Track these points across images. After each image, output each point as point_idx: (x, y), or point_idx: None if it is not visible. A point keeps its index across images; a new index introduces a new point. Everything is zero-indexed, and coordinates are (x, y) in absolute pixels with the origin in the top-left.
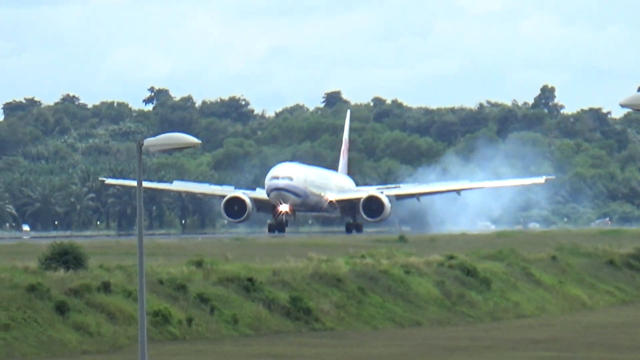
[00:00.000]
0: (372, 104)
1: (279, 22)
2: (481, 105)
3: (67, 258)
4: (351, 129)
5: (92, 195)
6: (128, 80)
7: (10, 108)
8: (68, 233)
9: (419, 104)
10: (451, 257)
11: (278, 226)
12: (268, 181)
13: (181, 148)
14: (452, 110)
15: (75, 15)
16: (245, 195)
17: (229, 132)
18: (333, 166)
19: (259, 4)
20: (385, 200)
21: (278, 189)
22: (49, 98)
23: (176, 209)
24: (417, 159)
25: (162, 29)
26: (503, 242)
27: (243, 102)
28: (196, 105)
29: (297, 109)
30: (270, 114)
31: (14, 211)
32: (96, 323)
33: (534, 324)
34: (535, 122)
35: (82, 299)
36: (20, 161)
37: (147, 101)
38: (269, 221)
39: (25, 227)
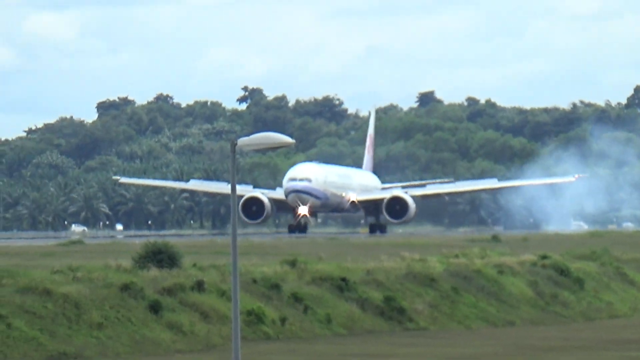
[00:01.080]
0: (465, 103)
1: (375, 22)
2: (574, 105)
3: (161, 257)
4: (443, 128)
5: (186, 194)
6: (222, 79)
7: (103, 107)
8: (161, 232)
9: (513, 104)
10: (544, 257)
11: (299, 227)
12: (286, 183)
13: (275, 147)
14: (546, 110)
15: (170, 14)
16: (263, 195)
17: (323, 132)
18: (427, 167)
19: (355, 3)
20: (410, 201)
21: (296, 191)
22: (142, 97)
23: None
24: (510, 159)
25: (258, 29)
26: (596, 241)
27: (337, 102)
28: (290, 104)
29: (391, 108)
30: (364, 113)
31: (107, 210)
32: (190, 322)
33: (627, 324)
34: (628, 122)
35: (176, 298)
36: (113, 160)
37: (240, 100)
38: (290, 222)
39: (119, 226)
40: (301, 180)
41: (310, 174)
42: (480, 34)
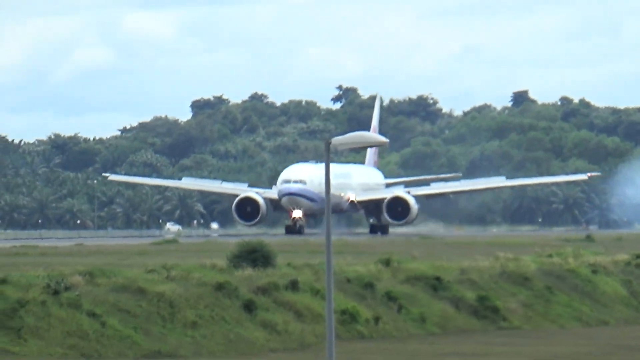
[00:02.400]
0: (559, 103)
1: (470, 22)
2: None
3: (256, 256)
4: (537, 128)
5: None
6: (317, 78)
7: (198, 106)
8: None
9: (607, 103)
10: (639, 257)
11: (294, 229)
12: (279, 185)
13: (369, 146)
14: None
15: (268, 13)
16: (258, 195)
17: (417, 131)
18: (520, 165)
19: (452, 3)
20: (412, 202)
21: (290, 194)
22: (237, 96)
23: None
24: (604, 158)
25: (354, 28)
26: None
27: (431, 101)
28: (384, 103)
29: (485, 108)
30: (458, 112)
31: (202, 209)
32: (283, 321)
33: None
34: None
35: (270, 297)
36: (208, 159)
37: (335, 100)
38: (286, 222)
39: (214, 225)
40: (295, 182)
41: (305, 176)
42: (574, 33)
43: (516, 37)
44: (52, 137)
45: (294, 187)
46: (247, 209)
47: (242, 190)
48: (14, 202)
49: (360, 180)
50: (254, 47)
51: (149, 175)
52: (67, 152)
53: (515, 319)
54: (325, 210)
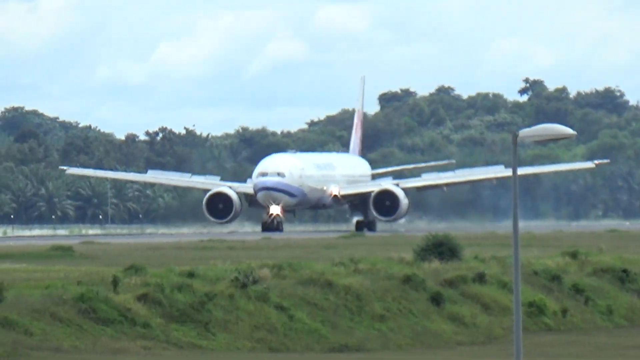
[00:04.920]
0: None
1: None
2: None
3: (442, 249)
4: None
5: (467, 187)
6: (505, 71)
7: (385, 99)
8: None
9: None
10: None
11: (272, 226)
12: (255, 178)
13: (556, 139)
14: None
15: (460, 5)
16: (231, 190)
17: (604, 124)
18: None
19: None
20: (401, 195)
21: (266, 188)
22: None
23: (551, 200)
24: None
25: (545, 20)
26: None
27: (618, 94)
28: (571, 96)
29: None
30: None
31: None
32: (471, 314)
33: None
34: None
35: (457, 290)
36: (395, 152)
37: (522, 92)
38: (263, 219)
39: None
40: (272, 175)
41: (284, 168)
42: None
43: None
44: (240, 130)
45: (271, 180)
46: (219, 206)
47: (214, 184)
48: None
49: (344, 172)
50: (444, 39)
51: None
52: (255, 146)
53: None
54: (512, 199)
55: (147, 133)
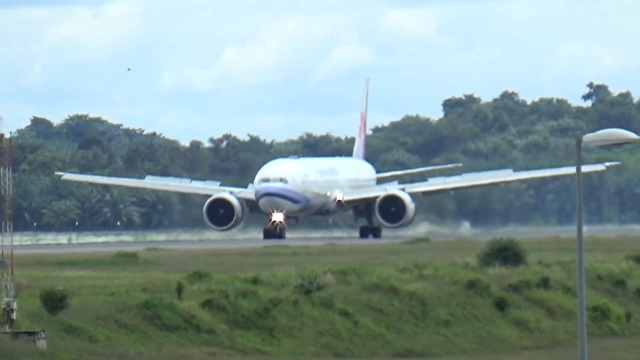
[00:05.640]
0: None
1: None
2: None
3: (506, 254)
4: None
5: (531, 192)
6: (569, 76)
7: (449, 105)
8: (507, 229)
9: None
10: None
11: (274, 233)
12: (257, 185)
13: (620, 144)
14: None
15: (527, 11)
16: (232, 196)
17: None
18: None
19: None
20: (407, 201)
21: (269, 194)
22: (488, 94)
23: (615, 203)
24: None
25: (610, 25)
26: None
27: None
28: (634, 101)
29: None
30: None
31: (454, 207)
32: (535, 319)
33: None
34: None
35: (521, 295)
36: (459, 158)
37: (585, 97)
38: (265, 226)
39: (466, 224)
40: (274, 180)
41: (286, 173)
42: None
43: None
44: (304, 136)
45: (273, 186)
46: (220, 212)
47: (214, 190)
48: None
49: (348, 176)
50: (509, 44)
51: (401, 175)
52: (319, 152)
53: None
54: (576, 204)
55: (212, 140)
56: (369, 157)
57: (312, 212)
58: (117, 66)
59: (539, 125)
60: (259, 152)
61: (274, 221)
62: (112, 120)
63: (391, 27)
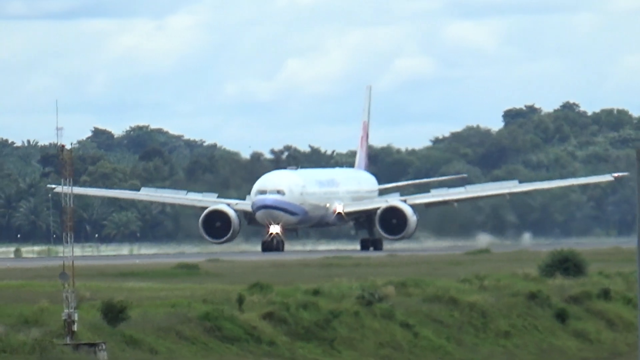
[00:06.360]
0: None
1: None
2: None
3: (567, 265)
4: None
5: (591, 203)
6: (630, 87)
7: (510, 115)
8: (567, 240)
9: None
10: None
11: (272, 246)
12: (253, 197)
13: None
14: None
15: (590, 22)
16: (229, 208)
17: None
18: None
19: None
20: (409, 213)
21: (266, 206)
22: (548, 105)
23: None
24: None
25: None
26: None
27: None
28: None
29: None
30: None
31: (515, 219)
32: (596, 330)
33: None
34: None
35: (582, 306)
36: (520, 169)
37: None
38: (264, 239)
39: (527, 235)
40: (272, 192)
41: (284, 185)
42: None
43: None
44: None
45: (270, 198)
46: (217, 224)
47: (211, 201)
48: None
49: (348, 188)
50: (570, 55)
51: (460, 186)
52: (380, 163)
53: None
54: (636, 215)
55: (273, 151)
56: (431, 170)
57: (311, 224)
58: (179, 78)
59: (600, 137)
60: (320, 163)
61: (271, 233)
62: (173, 131)
63: (453, 38)
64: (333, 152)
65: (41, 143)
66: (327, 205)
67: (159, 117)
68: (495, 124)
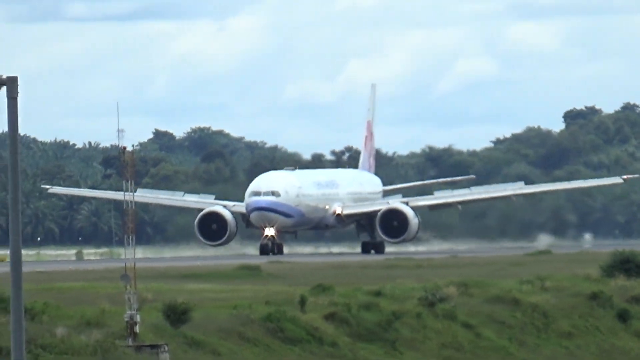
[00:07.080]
0: None
1: None
2: None
3: (629, 266)
4: None
5: None
6: None
7: (571, 116)
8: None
9: None
10: None
11: (271, 249)
12: (247, 198)
13: None
14: None
15: None
16: (225, 209)
17: None
18: None
19: None
20: (410, 215)
21: (260, 208)
22: (609, 106)
23: None
24: None
25: None
26: None
27: None
28: None
29: None
30: None
31: (575, 219)
32: None
33: None
34: None
35: None
36: (581, 170)
37: None
38: (261, 241)
39: (587, 236)
40: (266, 194)
41: (279, 186)
42: None
43: None
44: (427, 149)
45: (264, 200)
46: (213, 227)
47: (207, 203)
48: None
49: (349, 189)
50: (631, 56)
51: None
52: (441, 165)
53: None
54: None
55: (333, 152)
56: (492, 171)
57: (309, 226)
58: (239, 79)
59: None
60: (381, 164)
61: (266, 236)
62: (234, 133)
63: (514, 39)
64: (394, 153)
65: (102, 145)
66: (326, 207)
67: (220, 118)
68: (556, 125)
